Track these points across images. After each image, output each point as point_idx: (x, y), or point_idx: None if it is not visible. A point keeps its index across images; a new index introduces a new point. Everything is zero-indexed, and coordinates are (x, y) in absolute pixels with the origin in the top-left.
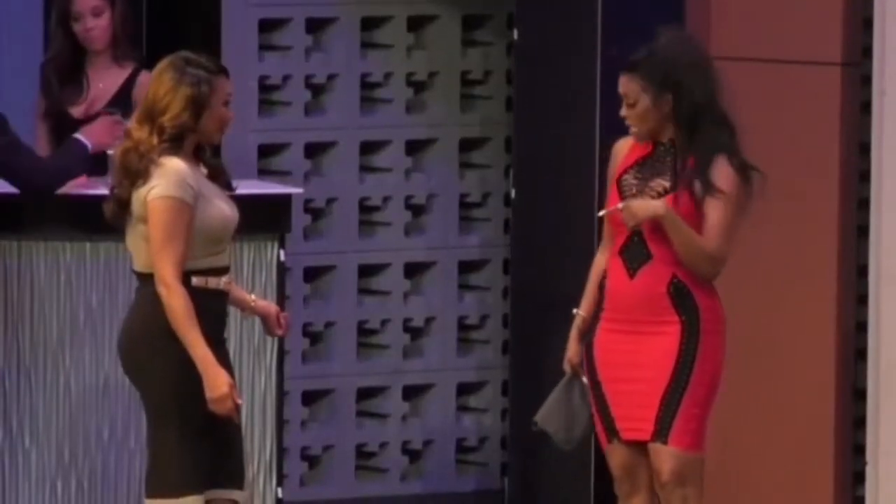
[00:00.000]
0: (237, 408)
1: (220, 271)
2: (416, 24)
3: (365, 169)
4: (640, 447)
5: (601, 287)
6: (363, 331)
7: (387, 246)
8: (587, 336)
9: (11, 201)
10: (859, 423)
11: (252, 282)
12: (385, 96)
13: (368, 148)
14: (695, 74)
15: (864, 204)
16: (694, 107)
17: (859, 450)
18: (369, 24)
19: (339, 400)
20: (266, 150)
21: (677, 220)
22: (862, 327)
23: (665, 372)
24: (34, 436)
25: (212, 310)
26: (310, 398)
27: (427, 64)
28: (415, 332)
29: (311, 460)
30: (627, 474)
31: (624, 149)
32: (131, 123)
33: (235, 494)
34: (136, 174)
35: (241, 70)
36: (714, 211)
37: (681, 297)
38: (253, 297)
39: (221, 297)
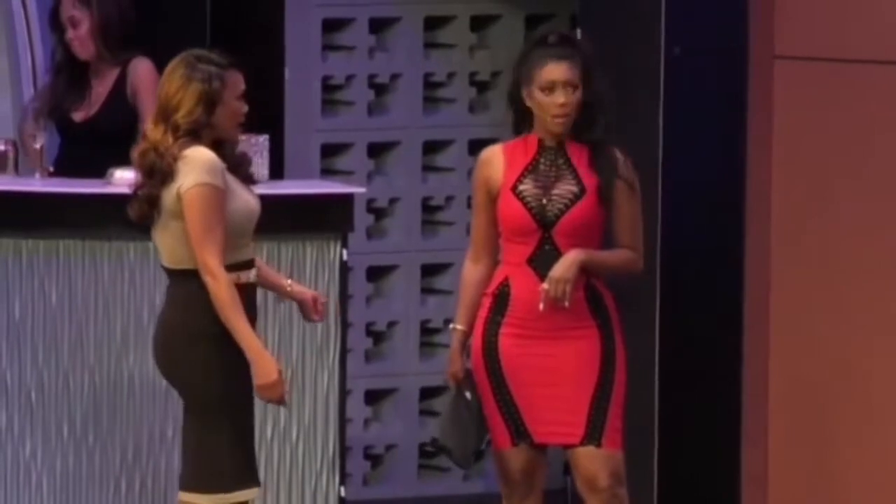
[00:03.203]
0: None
1: (247, 265)
2: (479, 23)
3: (428, 169)
4: (539, 451)
5: (498, 296)
6: (426, 330)
7: (449, 245)
8: (468, 348)
9: (76, 200)
10: None
11: (315, 281)
12: (448, 96)
13: (431, 148)
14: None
15: None
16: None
17: None
18: (432, 23)
19: (401, 399)
20: (329, 150)
21: (597, 256)
22: None
23: (590, 376)
24: (98, 434)
25: (243, 304)
26: (372, 397)
27: (490, 63)
28: None
29: (374, 459)
30: (526, 478)
31: (499, 157)
32: (147, 125)
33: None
34: (162, 173)
35: (304, 70)
36: (629, 206)
37: (595, 301)
38: (289, 281)
39: (252, 291)
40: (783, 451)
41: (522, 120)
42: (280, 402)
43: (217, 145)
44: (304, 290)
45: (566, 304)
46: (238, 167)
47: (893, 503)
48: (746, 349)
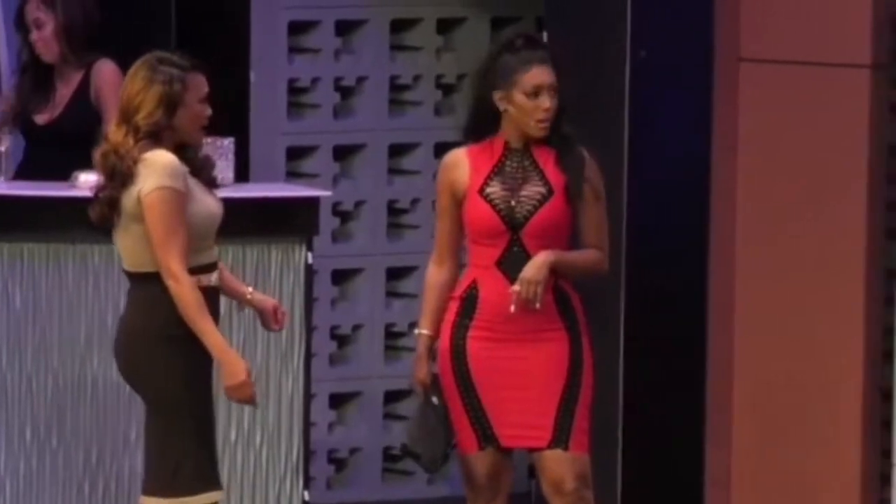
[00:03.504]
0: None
1: (209, 268)
2: (445, 26)
3: (393, 171)
4: (505, 454)
5: (466, 299)
6: (390, 333)
7: (414, 249)
8: (433, 352)
9: (40, 203)
10: (886, 425)
11: (280, 284)
12: (414, 99)
13: (397, 150)
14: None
15: (892, 206)
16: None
17: (886, 453)
18: (398, 26)
19: (366, 402)
20: (295, 153)
21: (566, 257)
22: (889, 330)
23: (558, 379)
24: (61, 437)
25: (211, 308)
26: (337, 401)
27: (456, 66)
28: None
29: (338, 463)
30: (491, 482)
31: (464, 160)
32: (110, 126)
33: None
34: (122, 175)
35: (270, 73)
36: (595, 207)
37: (564, 304)
38: (250, 289)
39: (214, 294)
40: (747, 453)
41: (487, 123)
42: (250, 402)
43: (180, 148)
44: (265, 299)
45: (537, 305)
46: (201, 170)
47: (853, 498)
48: (711, 351)
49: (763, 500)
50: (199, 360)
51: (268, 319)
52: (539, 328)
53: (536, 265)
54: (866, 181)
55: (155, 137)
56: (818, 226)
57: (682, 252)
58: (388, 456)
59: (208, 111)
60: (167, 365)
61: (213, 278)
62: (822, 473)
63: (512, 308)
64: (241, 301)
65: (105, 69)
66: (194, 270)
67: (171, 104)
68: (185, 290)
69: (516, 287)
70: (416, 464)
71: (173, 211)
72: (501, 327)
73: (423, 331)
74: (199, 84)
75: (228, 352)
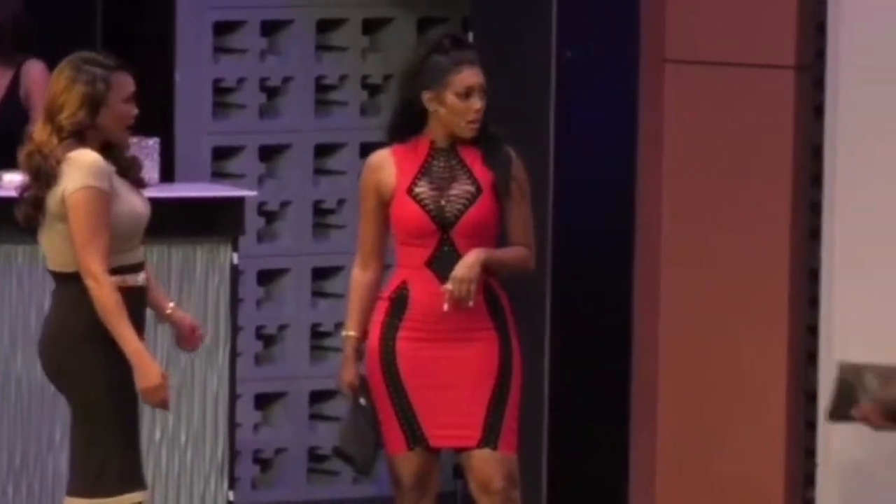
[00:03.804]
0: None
1: (135, 268)
2: (371, 26)
3: (319, 172)
4: (433, 454)
5: (395, 300)
6: (316, 333)
7: (340, 249)
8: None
9: None
10: (810, 425)
11: (205, 285)
12: (340, 99)
13: (323, 151)
14: None
15: (816, 207)
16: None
17: (810, 452)
18: (324, 26)
19: (291, 403)
20: (220, 153)
21: (496, 254)
22: (813, 330)
23: (488, 378)
24: None
25: (131, 308)
26: (262, 401)
27: (382, 67)
28: None
29: (264, 463)
30: (419, 482)
31: (389, 161)
32: (36, 126)
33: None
34: (47, 175)
35: (195, 72)
36: (522, 204)
37: (493, 303)
38: (171, 304)
39: (140, 294)
40: (672, 453)
41: (413, 123)
42: (163, 406)
43: (107, 148)
44: (184, 317)
45: (470, 303)
46: (128, 170)
47: (777, 499)
48: (636, 351)
49: (688, 500)
50: (122, 361)
51: (183, 338)
52: (470, 327)
53: (468, 263)
54: (791, 182)
55: (79, 137)
56: (743, 226)
57: (607, 252)
58: (314, 456)
59: (134, 111)
60: (91, 365)
61: (139, 278)
62: (747, 473)
63: (445, 307)
64: (160, 315)
65: (34, 69)
66: (120, 270)
67: (94, 104)
68: (104, 292)
69: (449, 286)
70: (349, 466)
71: (97, 211)
72: (432, 327)
73: (350, 333)
74: (125, 84)
75: (143, 355)
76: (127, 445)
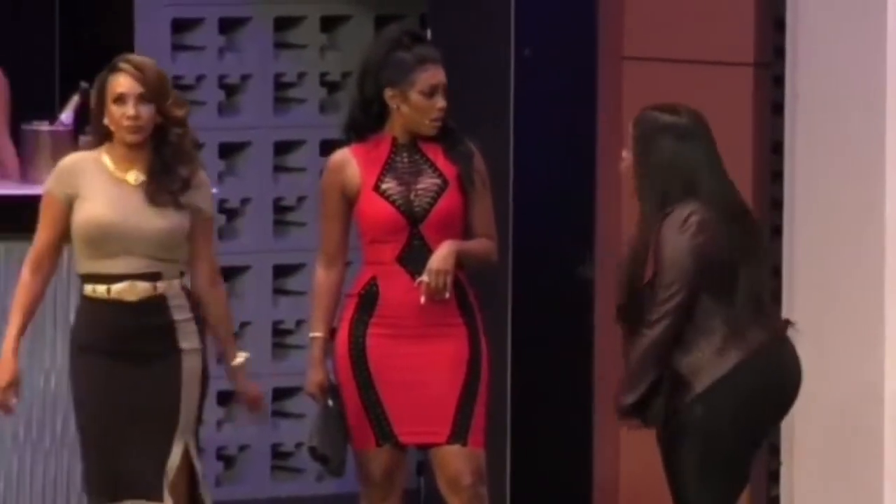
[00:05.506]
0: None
1: (108, 279)
2: (329, 24)
3: (279, 169)
4: (401, 450)
5: (364, 296)
6: (278, 331)
7: (301, 246)
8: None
9: None
10: None
11: None
12: (299, 96)
13: (282, 148)
14: None
15: (777, 205)
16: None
17: (774, 450)
18: (282, 24)
19: None
20: None
21: (466, 246)
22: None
23: (458, 374)
24: None
25: (103, 321)
26: (225, 398)
27: (341, 64)
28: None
29: (227, 460)
30: (387, 479)
31: (350, 160)
32: None
33: None
34: None
35: None
36: (485, 200)
37: (463, 298)
38: (241, 357)
39: (116, 307)
40: (635, 450)
41: (372, 120)
42: (2, 408)
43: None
44: (248, 386)
45: (446, 295)
46: (159, 175)
47: None
48: (597, 347)
49: (651, 497)
50: (97, 371)
51: (243, 403)
52: (440, 322)
53: (443, 255)
54: (751, 179)
55: (107, 137)
56: None
57: (568, 250)
58: (277, 453)
59: (126, 111)
60: (73, 371)
61: (114, 289)
62: None
63: (422, 299)
64: (224, 361)
65: None
66: (89, 279)
67: (97, 106)
68: (20, 282)
69: (425, 278)
70: (322, 466)
71: (42, 211)
72: (403, 322)
73: (317, 334)
74: (114, 84)
75: (6, 353)
76: (92, 456)
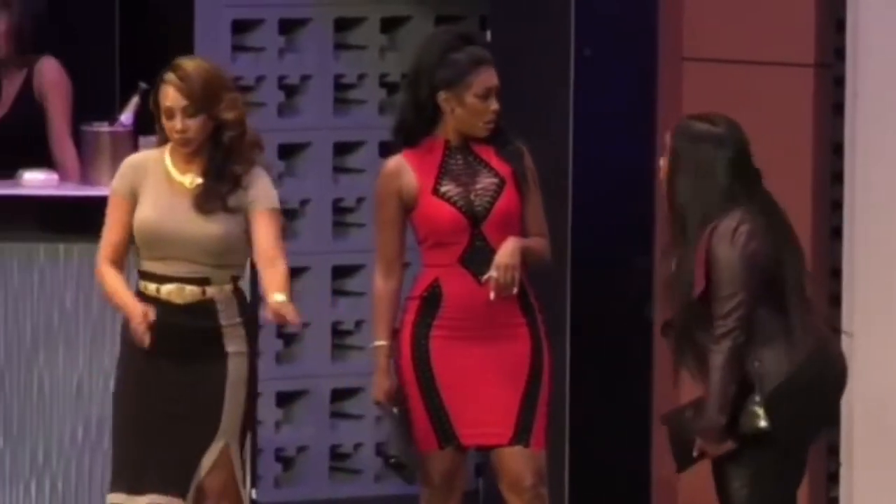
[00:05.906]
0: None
1: (159, 279)
2: (389, 25)
3: (338, 170)
4: (462, 452)
5: (427, 298)
6: (338, 332)
7: (360, 247)
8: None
9: None
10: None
11: None
12: (358, 97)
13: (342, 149)
14: None
15: (837, 206)
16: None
17: (833, 450)
18: (342, 25)
19: (313, 401)
20: None
21: (527, 243)
22: (836, 330)
23: (521, 375)
24: (8, 436)
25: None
26: (284, 399)
27: (400, 65)
28: None
29: (286, 462)
30: (448, 481)
31: (405, 166)
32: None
33: (161, 500)
34: None
35: None
36: (537, 199)
37: (525, 298)
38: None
39: (164, 307)
40: None
41: (424, 123)
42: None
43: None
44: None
45: (514, 290)
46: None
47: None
48: (657, 348)
49: (709, 495)
50: (140, 366)
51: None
52: (503, 323)
53: (509, 250)
54: (811, 180)
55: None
56: None
57: (627, 251)
58: (336, 454)
59: (174, 125)
60: (118, 363)
61: (162, 290)
62: None
63: (491, 295)
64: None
65: (49, 67)
66: (142, 276)
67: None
68: (98, 279)
69: (493, 273)
70: (399, 474)
71: (109, 207)
72: (466, 324)
73: (381, 342)
74: (162, 95)
75: (126, 302)
76: (118, 444)
